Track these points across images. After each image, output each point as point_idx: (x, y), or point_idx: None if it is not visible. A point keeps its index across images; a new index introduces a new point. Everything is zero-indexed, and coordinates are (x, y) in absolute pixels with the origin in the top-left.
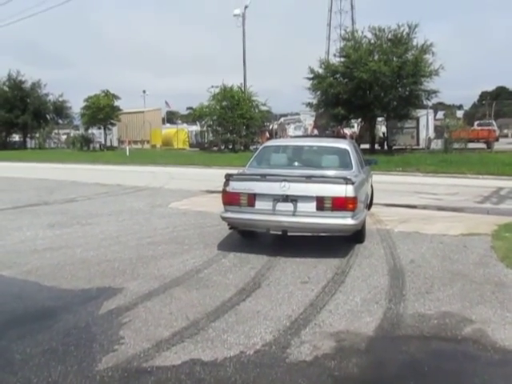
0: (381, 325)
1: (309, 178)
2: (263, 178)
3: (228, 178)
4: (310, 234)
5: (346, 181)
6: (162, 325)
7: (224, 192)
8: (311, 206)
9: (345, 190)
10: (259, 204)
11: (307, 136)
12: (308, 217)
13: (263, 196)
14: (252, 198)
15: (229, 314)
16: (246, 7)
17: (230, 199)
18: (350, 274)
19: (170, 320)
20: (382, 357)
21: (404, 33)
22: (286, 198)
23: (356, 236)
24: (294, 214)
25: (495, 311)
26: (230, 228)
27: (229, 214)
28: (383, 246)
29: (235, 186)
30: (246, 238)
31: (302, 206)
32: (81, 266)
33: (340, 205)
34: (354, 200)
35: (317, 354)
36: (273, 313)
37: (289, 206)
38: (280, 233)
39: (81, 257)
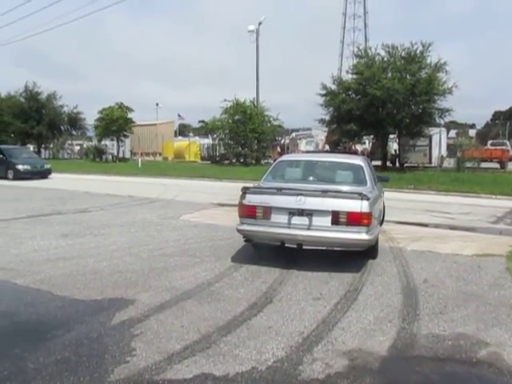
0: (394, 344)
1: (324, 193)
2: (279, 191)
3: (245, 191)
4: (324, 248)
5: (362, 196)
6: (174, 338)
7: (240, 205)
8: (326, 221)
9: (360, 206)
10: (275, 217)
11: (320, 151)
12: (323, 231)
13: (279, 209)
14: (268, 211)
15: (240, 328)
16: (259, 24)
17: (246, 212)
18: (362, 292)
19: (181, 333)
20: (396, 377)
21: (418, 51)
22: (302, 212)
23: (369, 251)
24: (309, 228)
25: (511, 334)
26: (246, 240)
27: (244, 227)
28: (396, 264)
29: (251, 199)
30: (258, 252)
31: (318, 220)
32: (93, 277)
33: (355, 220)
34: (368, 215)
35: (329, 372)
36: (285, 329)
37: (304, 220)
38: (295, 246)
39: (93, 267)
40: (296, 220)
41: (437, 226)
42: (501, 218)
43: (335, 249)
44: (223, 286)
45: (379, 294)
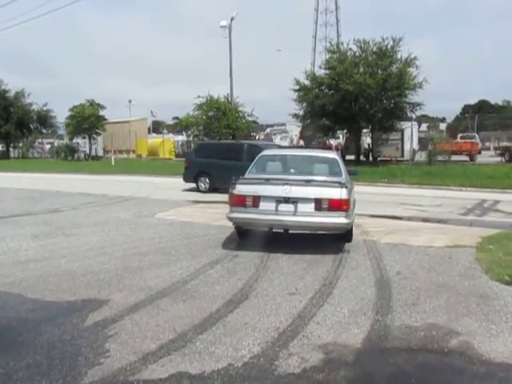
0: (368, 337)
1: (308, 182)
2: (267, 181)
3: (234, 181)
4: (308, 232)
5: (341, 185)
6: (149, 337)
7: (231, 194)
8: (310, 207)
9: (340, 193)
10: (263, 205)
11: (295, 147)
12: (307, 216)
13: (267, 198)
14: (256, 199)
15: (216, 325)
16: (232, 19)
17: (237, 201)
18: (337, 286)
19: (156, 332)
20: (370, 369)
21: (388, 46)
22: (288, 200)
23: (346, 235)
24: (294, 214)
25: (480, 323)
26: (236, 228)
27: (235, 214)
28: (370, 257)
29: (241, 189)
30: (234, 249)
31: (302, 207)
32: (65, 278)
33: (335, 206)
34: (347, 202)
35: (305, 366)
36: (261, 324)
37: (290, 207)
38: (282, 231)
39: (65, 268)
40: (283, 207)
41: (410, 218)
42: (470, 209)
43: (318, 232)
44: (199, 283)
45: (353, 287)
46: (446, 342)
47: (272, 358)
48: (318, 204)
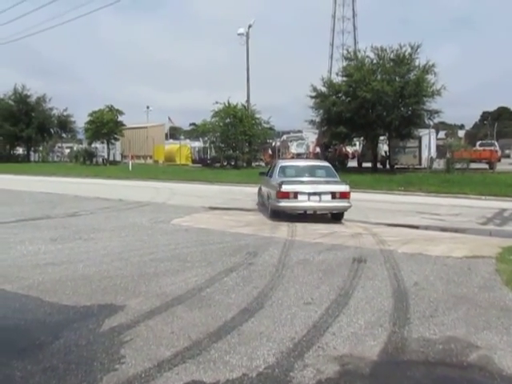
0: (385, 349)
1: (327, 182)
2: (302, 182)
3: (281, 183)
4: (328, 212)
5: (346, 183)
6: (164, 344)
7: (278, 191)
8: (328, 197)
9: (345, 188)
10: (300, 197)
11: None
12: (327, 202)
13: (302, 193)
14: (296, 194)
15: (231, 334)
16: (249, 26)
17: (283, 195)
18: (353, 296)
19: (171, 339)
20: (387, 382)
21: (406, 53)
22: (315, 193)
23: (341, 215)
24: (319, 202)
25: (501, 337)
26: (275, 212)
27: (282, 204)
28: (387, 267)
29: (286, 188)
30: (250, 257)
31: (324, 197)
32: (82, 282)
33: (343, 195)
34: (349, 193)
35: (320, 378)
36: (276, 334)
37: (317, 198)
38: (312, 212)
39: (82, 273)
40: (312, 198)
41: (427, 227)
42: (490, 218)
43: (333, 212)
44: (214, 291)
45: (370, 297)
46: (466, 356)
47: (287, 369)
48: (333, 195)
